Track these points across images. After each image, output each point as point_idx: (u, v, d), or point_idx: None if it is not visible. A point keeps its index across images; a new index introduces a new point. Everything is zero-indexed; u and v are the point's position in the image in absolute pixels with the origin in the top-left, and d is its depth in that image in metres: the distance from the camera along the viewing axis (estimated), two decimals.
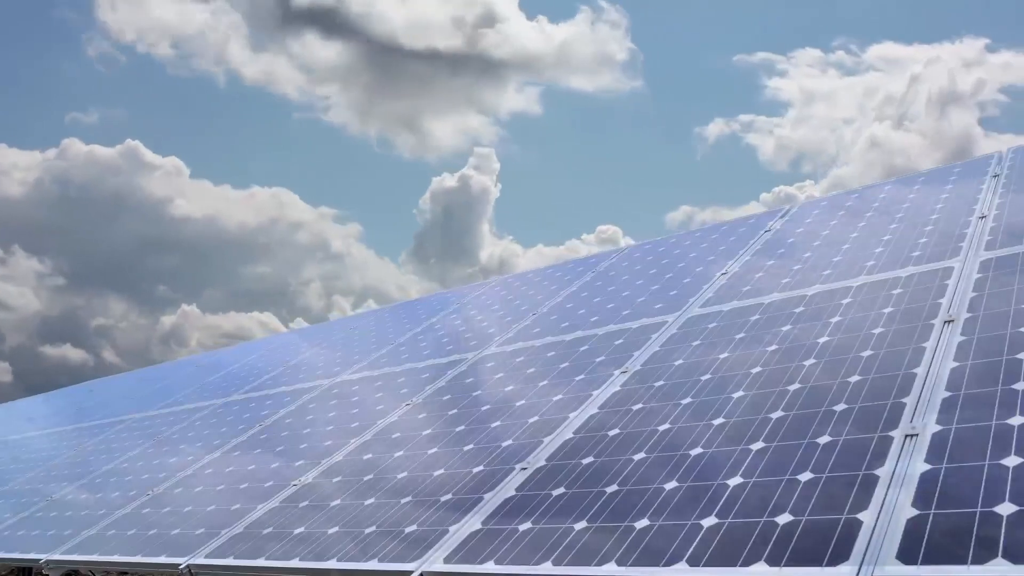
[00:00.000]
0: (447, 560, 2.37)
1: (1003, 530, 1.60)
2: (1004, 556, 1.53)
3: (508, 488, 2.67)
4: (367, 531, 2.78)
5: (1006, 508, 1.66)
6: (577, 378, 3.47)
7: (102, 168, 31.58)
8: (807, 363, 2.75)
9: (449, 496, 2.79)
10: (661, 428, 2.67)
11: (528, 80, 36.68)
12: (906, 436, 2.07)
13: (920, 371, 2.40)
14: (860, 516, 1.82)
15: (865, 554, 1.68)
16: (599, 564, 2.04)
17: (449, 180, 32.75)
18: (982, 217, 3.58)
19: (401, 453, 3.40)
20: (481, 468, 2.92)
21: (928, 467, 1.90)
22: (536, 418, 3.19)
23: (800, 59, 32.19)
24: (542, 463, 2.76)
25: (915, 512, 1.75)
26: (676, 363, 3.20)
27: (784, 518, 1.93)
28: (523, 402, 3.43)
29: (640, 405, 2.93)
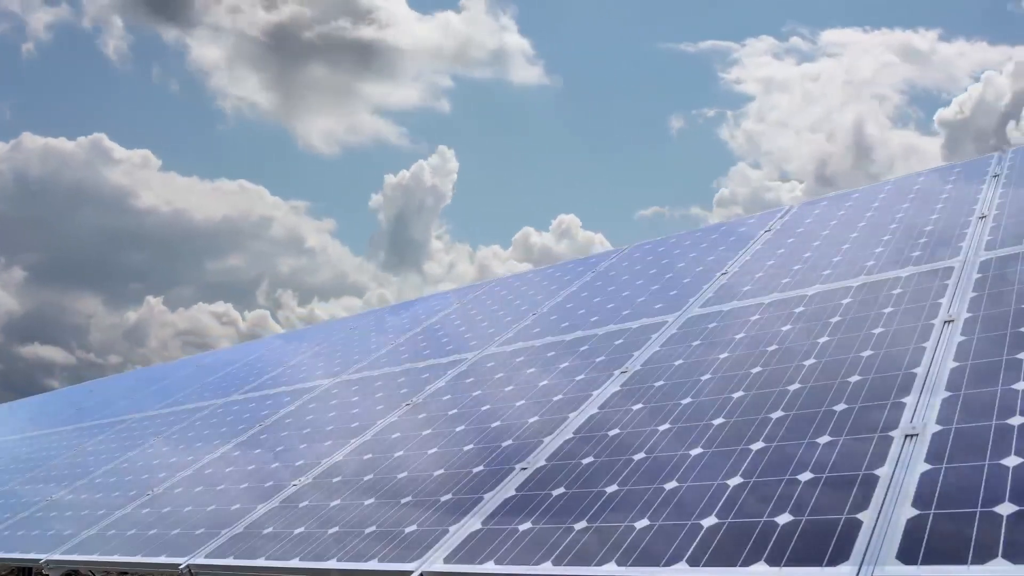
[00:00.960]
0: (447, 560, 2.37)
1: (1003, 530, 1.60)
2: (1004, 556, 1.53)
3: (508, 488, 2.67)
4: (367, 531, 2.78)
5: (1006, 508, 1.66)
6: (577, 378, 3.47)
7: (60, 161, 31.47)
8: (807, 363, 2.75)
9: (449, 496, 2.79)
10: (661, 428, 2.67)
11: (430, 72, 36.41)
12: (906, 436, 2.07)
13: (920, 371, 2.40)
14: (860, 516, 1.82)
15: (865, 554, 1.68)
16: (599, 564, 2.04)
17: (404, 177, 32.74)
18: (982, 217, 3.58)
19: (401, 453, 3.40)
20: (481, 468, 2.92)
21: (928, 467, 1.90)
22: (536, 418, 3.19)
23: (755, 47, 31.97)
24: (542, 463, 2.76)
25: (915, 512, 1.75)
26: (676, 363, 3.20)
27: (784, 518, 1.93)
28: (523, 402, 3.43)
29: (640, 405, 2.93)
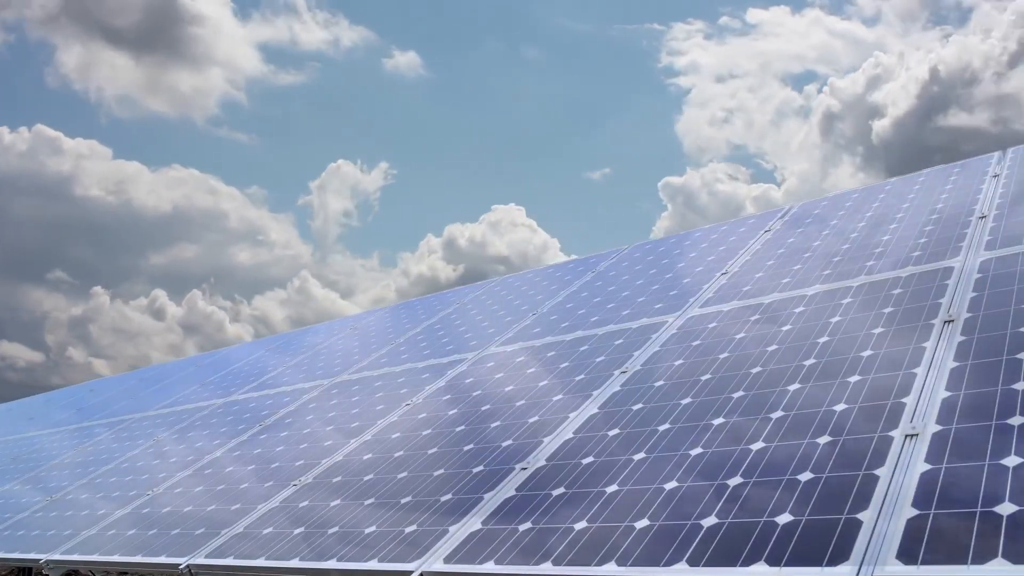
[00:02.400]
0: (447, 560, 2.37)
1: (1003, 530, 1.60)
2: (1004, 556, 1.53)
3: (508, 488, 2.67)
4: (367, 531, 2.78)
5: (1006, 508, 1.66)
6: (577, 378, 3.47)
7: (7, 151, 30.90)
8: (807, 363, 2.75)
9: (449, 496, 2.79)
10: (661, 428, 2.67)
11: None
12: (906, 436, 2.07)
13: (920, 371, 2.40)
14: (860, 516, 1.82)
15: (865, 554, 1.68)
16: (599, 564, 2.04)
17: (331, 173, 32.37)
18: (982, 217, 3.58)
19: (401, 453, 3.40)
20: (481, 468, 2.92)
21: (928, 467, 1.90)
22: (536, 418, 3.19)
23: (685, 31, 31.29)
24: (542, 463, 2.76)
25: (915, 512, 1.75)
26: (676, 363, 3.20)
27: (784, 518, 1.93)
28: (523, 402, 3.43)
29: (640, 405, 2.93)
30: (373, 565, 2.54)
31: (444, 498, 2.79)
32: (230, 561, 3.05)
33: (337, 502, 3.15)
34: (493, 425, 3.30)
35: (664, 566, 1.93)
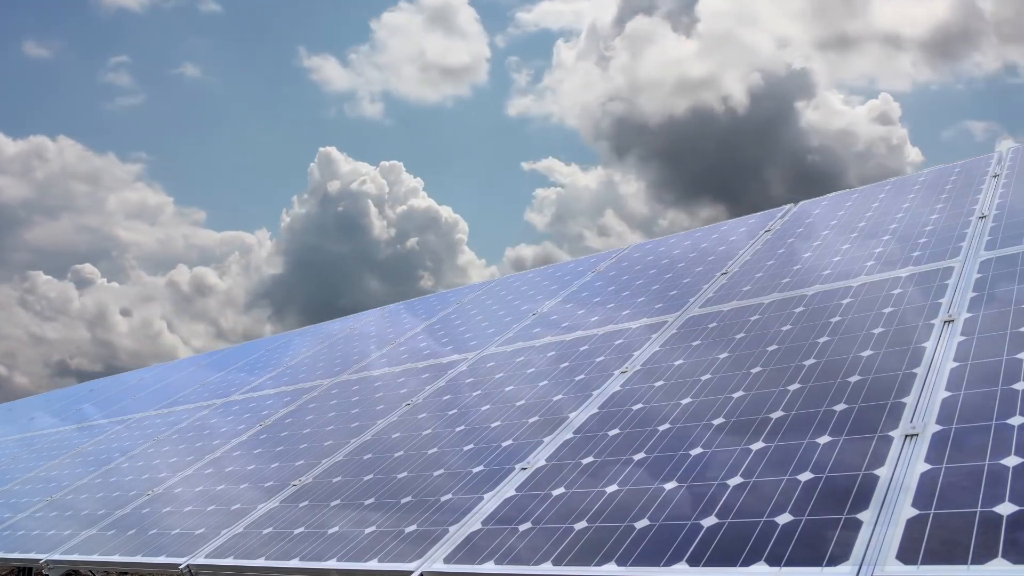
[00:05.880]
0: (447, 560, 2.37)
1: (1003, 530, 1.60)
2: (1004, 556, 1.53)
3: (508, 488, 2.67)
4: (367, 531, 2.78)
5: (1006, 508, 1.66)
6: (577, 378, 3.47)
7: None
8: (807, 363, 2.75)
9: (449, 496, 2.79)
10: (661, 428, 2.67)
11: None
12: (906, 436, 2.07)
13: (920, 371, 2.40)
14: (860, 516, 1.82)
15: (865, 554, 1.68)
16: (599, 564, 2.04)
17: None
18: (982, 217, 3.58)
19: (401, 453, 3.40)
20: (481, 468, 2.92)
21: (928, 467, 1.90)
22: (536, 418, 3.19)
23: None
24: (542, 463, 2.76)
25: (915, 512, 1.75)
26: (676, 363, 3.20)
27: (784, 518, 1.93)
28: (523, 402, 3.43)
29: (640, 405, 2.93)
30: (373, 565, 2.54)
31: (444, 498, 2.79)
32: (230, 561, 3.05)
33: (337, 502, 3.15)
34: (493, 425, 3.30)
35: (664, 566, 1.93)
